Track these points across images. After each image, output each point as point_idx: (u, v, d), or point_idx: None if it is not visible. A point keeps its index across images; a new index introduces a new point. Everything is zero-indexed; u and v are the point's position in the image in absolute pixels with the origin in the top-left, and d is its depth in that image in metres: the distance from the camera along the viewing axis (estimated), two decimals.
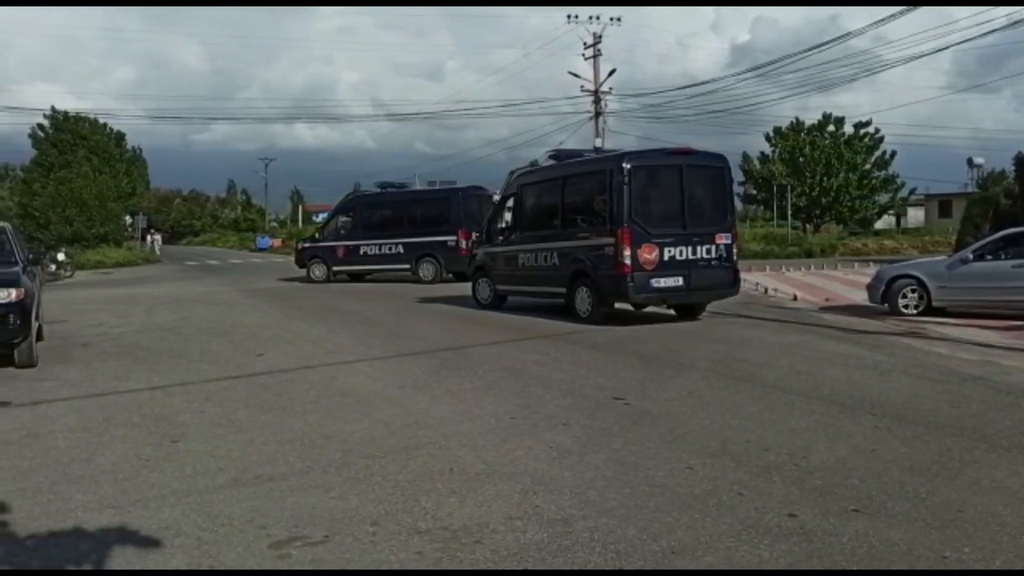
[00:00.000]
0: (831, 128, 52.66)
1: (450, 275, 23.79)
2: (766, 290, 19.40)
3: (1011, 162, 30.16)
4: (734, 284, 13.64)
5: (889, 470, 5.14)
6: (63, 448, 6.13)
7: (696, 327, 12.87)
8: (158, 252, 54.93)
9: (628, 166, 12.90)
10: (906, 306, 13.69)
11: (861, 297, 15.37)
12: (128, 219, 53.19)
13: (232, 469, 5.47)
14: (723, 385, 8.04)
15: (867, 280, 15.45)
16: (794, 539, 4.04)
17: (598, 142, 38.26)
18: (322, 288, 23.54)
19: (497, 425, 6.57)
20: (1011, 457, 5.44)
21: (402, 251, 24.68)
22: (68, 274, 31.16)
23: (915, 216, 62.47)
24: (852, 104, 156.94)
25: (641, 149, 16.23)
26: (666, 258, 12.78)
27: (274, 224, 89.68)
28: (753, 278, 22.47)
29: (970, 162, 60.40)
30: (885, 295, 13.99)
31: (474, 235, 18.05)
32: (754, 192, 54.65)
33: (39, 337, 10.76)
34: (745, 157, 54.85)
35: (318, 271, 25.94)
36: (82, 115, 55.68)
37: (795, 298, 17.42)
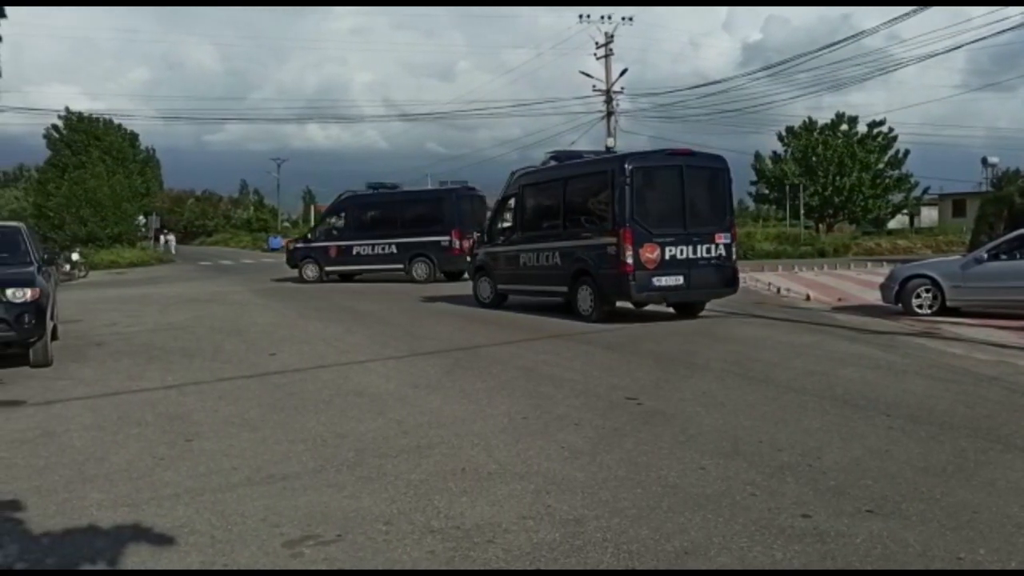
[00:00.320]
0: (844, 127, 52.46)
1: (441, 275, 24.11)
2: (779, 290, 19.34)
3: None
4: (733, 283, 13.86)
5: (903, 471, 5.11)
6: (78, 447, 6.17)
7: (709, 327, 12.84)
8: (173, 252, 55.15)
9: (630, 167, 13.11)
10: (920, 306, 13.62)
11: (874, 297, 15.31)
12: (142, 219, 53.44)
13: (245, 468, 5.49)
14: (736, 385, 8.02)
15: (880, 280, 15.38)
16: (808, 540, 4.02)
17: (610, 142, 38.24)
18: (330, 288, 23.59)
19: (510, 425, 6.57)
20: None
21: (395, 251, 24.82)
22: (82, 274, 31.35)
23: (929, 215, 62.17)
24: (865, 103, 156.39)
25: (642, 150, 16.43)
26: (667, 257, 13.00)
27: (286, 224, 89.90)
28: (766, 278, 22.43)
29: (984, 161, 59.99)
30: (899, 295, 13.93)
31: (475, 235, 18.13)
32: (766, 192, 54.52)
33: (54, 336, 10.83)
34: (757, 156, 54.77)
35: (310, 271, 26.02)
36: (96, 116, 56.05)
37: (808, 298, 17.36)
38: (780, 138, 54.12)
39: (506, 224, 16.77)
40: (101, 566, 3.94)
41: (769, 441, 5.88)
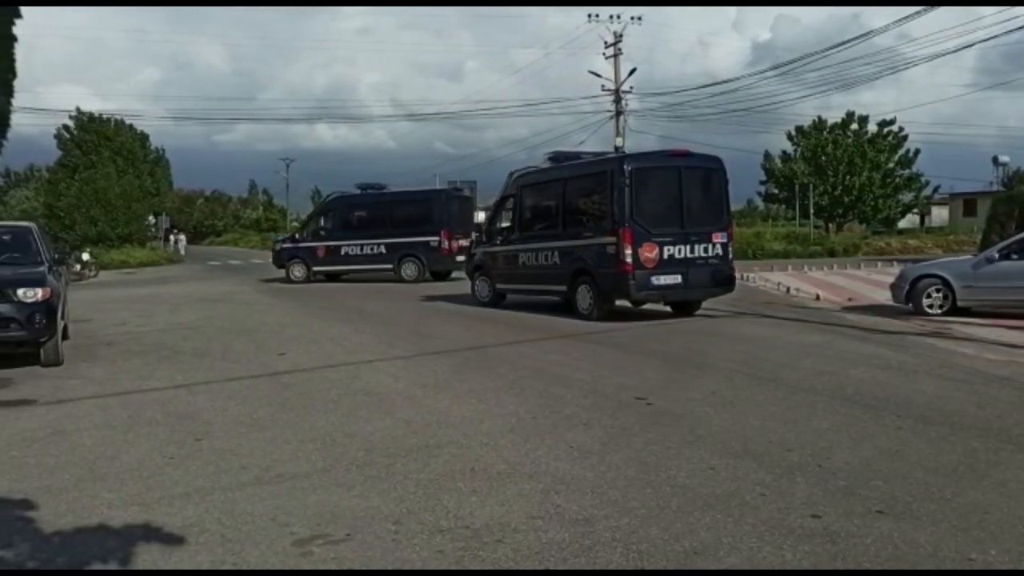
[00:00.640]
0: (854, 127, 52.25)
1: (429, 275, 24.34)
2: (788, 290, 19.29)
3: None
4: (730, 282, 14.02)
5: (914, 471, 5.09)
6: (88, 446, 6.20)
7: (718, 327, 12.83)
8: (182, 252, 55.34)
9: (629, 168, 13.31)
10: (930, 306, 13.57)
11: (884, 297, 15.25)
12: (152, 219, 53.66)
13: (255, 467, 5.51)
14: (745, 385, 8.00)
15: (891, 280, 15.32)
16: (817, 540, 4.01)
17: (618, 141, 38.20)
18: (336, 288, 23.63)
19: (518, 425, 6.57)
20: None
21: (384, 251, 24.93)
22: (92, 274, 31.49)
23: (939, 215, 61.88)
24: (875, 102, 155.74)
25: (639, 151, 16.68)
26: (665, 257, 13.18)
27: (295, 224, 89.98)
28: (775, 277, 22.37)
29: (995, 160, 59.67)
30: (909, 295, 13.88)
31: (473, 235, 18.29)
32: (776, 191, 54.36)
33: (65, 336, 10.88)
34: (767, 156, 54.59)
35: (298, 271, 26.08)
36: (107, 116, 56.29)
37: (818, 298, 17.31)
38: (790, 137, 53.95)
39: (505, 224, 16.91)
40: (112, 565, 3.95)
41: (779, 441, 5.86)
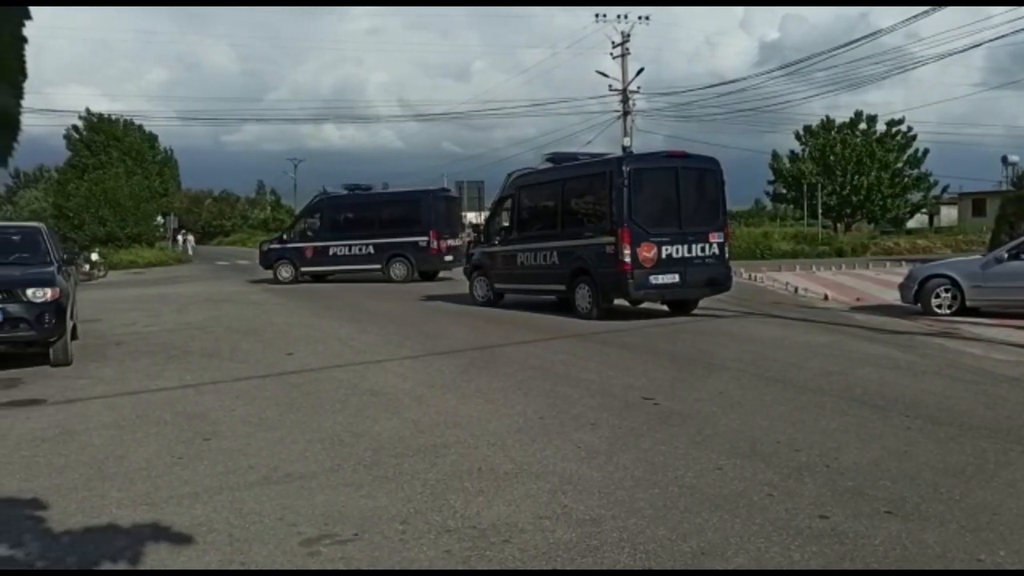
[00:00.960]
0: (863, 126, 52.09)
1: (417, 275, 24.46)
2: (796, 290, 19.24)
3: None
4: (727, 281, 14.17)
5: (922, 472, 5.08)
6: (97, 445, 6.22)
7: (725, 327, 12.81)
8: (191, 252, 55.46)
9: (627, 168, 13.47)
10: (939, 306, 13.52)
11: (893, 297, 15.20)
12: (160, 219, 53.80)
13: (263, 467, 5.52)
14: (753, 385, 7.99)
15: (899, 280, 15.27)
16: (825, 541, 4.00)
17: (626, 141, 38.13)
18: (342, 288, 23.61)
19: (526, 425, 6.57)
20: None
21: (373, 251, 24.98)
22: (101, 274, 31.59)
23: (948, 215, 61.63)
24: (883, 102, 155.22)
25: (637, 152, 16.81)
26: (663, 256, 13.32)
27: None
28: (783, 277, 22.33)
29: (1005, 160, 59.25)
30: (918, 295, 13.83)
31: (471, 235, 18.48)
32: (784, 191, 54.21)
33: (74, 336, 10.91)
34: (775, 156, 54.41)
35: (285, 272, 26.04)
36: (116, 117, 56.46)
37: (826, 298, 17.27)
38: (798, 137, 53.78)
39: (503, 225, 17.03)
40: (121, 565, 3.97)
41: (787, 441, 5.85)
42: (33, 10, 0.81)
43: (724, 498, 4.65)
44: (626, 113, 40.31)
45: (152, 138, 59.97)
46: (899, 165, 51.89)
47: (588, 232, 14.14)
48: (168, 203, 59.98)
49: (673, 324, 13.07)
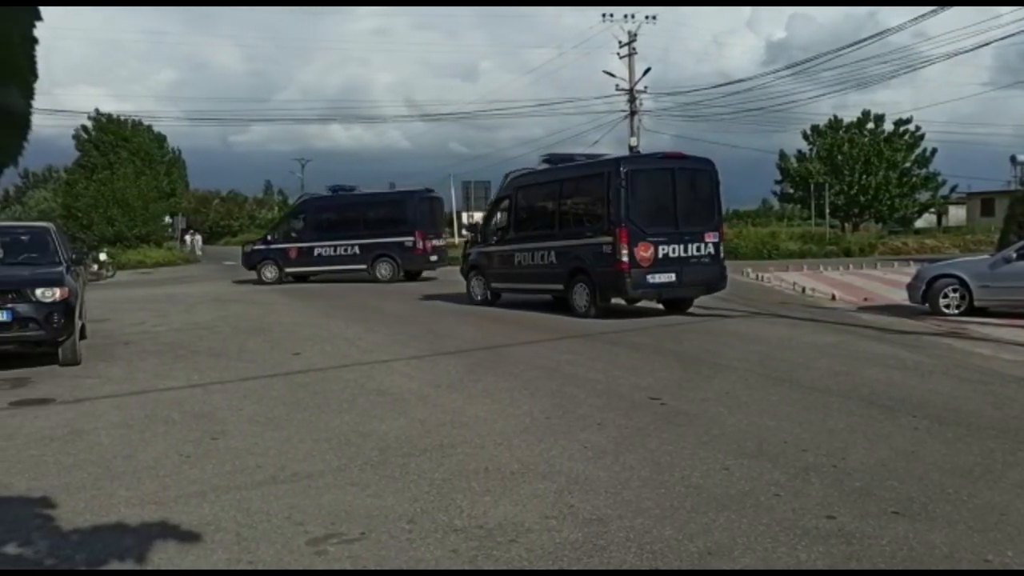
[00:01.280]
0: (870, 125, 51.93)
1: (402, 275, 24.67)
2: (803, 289, 19.19)
3: None
4: (722, 280, 14.34)
5: (930, 472, 5.07)
6: (106, 444, 6.25)
7: (732, 327, 12.80)
8: (199, 252, 55.59)
9: (625, 169, 13.71)
10: (947, 306, 13.48)
11: (901, 297, 15.16)
12: (168, 219, 53.94)
13: (270, 466, 5.54)
14: (760, 386, 7.98)
15: (907, 279, 15.22)
16: (832, 541, 3.99)
17: (633, 141, 38.12)
18: (349, 288, 23.65)
19: (532, 424, 6.58)
20: None
21: (358, 252, 25.10)
22: (110, 274, 31.69)
23: (956, 214, 61.43)
24: (892, 101, 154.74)
25: (634, 154, 16.96)
26: (660, 256, 13.56)
27: None
28: (790, 277, 22.27)
29: (1013, 160, 58.95)
30: (926, 295, 13.79)
31: (469, 235, 18.70)
32: (791, 191, 54.09)
33: (82, 335, 10.96)
34: (782, 155, 54.30)
35: (269, 273, 26.09)
36: (124, 117, 56.61)
37: (833, 298, 17.22)
38: (805, 136, 53.62)
39: (500, 225, 17.14)
40: (129, 563, 3.99)
41: (793, 442, 5.85)
42: (42, 11, 0.82)
43: (731, 498, 4.65)
44: (633, 113, 40.27)
45: (160, 138, 60.13)
46: (907, 165, 51.71)
47: (586, 232, 14.35)
48: (176, 203, 60.14)
49: (679, 324, 13.07)
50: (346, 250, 25.28)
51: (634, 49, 40.44)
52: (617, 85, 40.65)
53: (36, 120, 0.82)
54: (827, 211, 48.91)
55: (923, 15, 25.05)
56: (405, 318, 15.03)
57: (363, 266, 25.00)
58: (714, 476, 5.07)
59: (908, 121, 51.72)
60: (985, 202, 55.71)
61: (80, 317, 10.66)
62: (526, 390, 7.94)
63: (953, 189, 55.93)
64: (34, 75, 0.80)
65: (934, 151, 52.02)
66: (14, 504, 4.88)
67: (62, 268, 10.44)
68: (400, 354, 10.60)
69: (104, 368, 9.84)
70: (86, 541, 4.25)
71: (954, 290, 13.51)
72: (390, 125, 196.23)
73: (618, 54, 40.98)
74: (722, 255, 14.30)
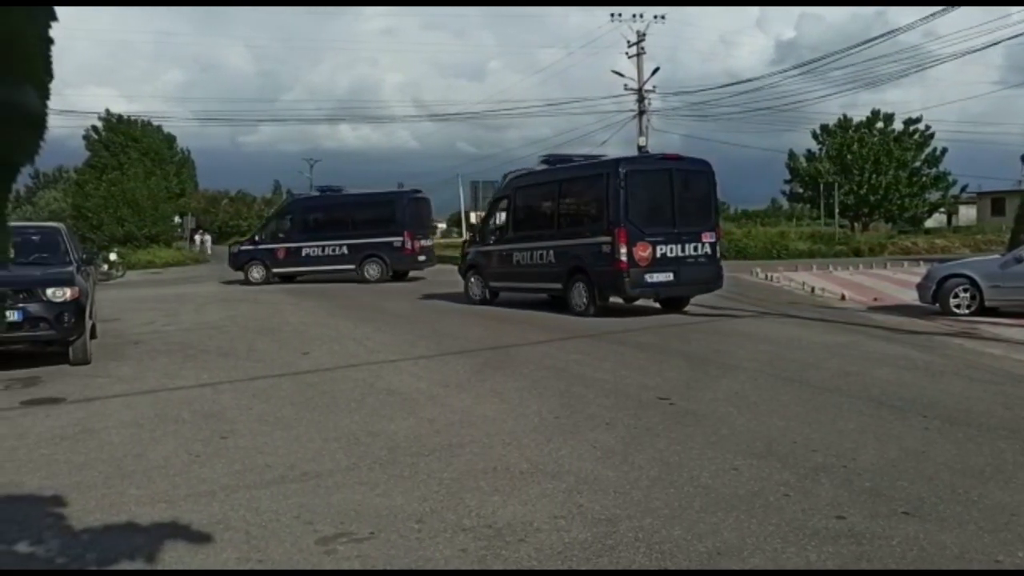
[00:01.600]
0: (880, 125, 51.74)
1: (390, 275, 24.82)
2: (813, 289, 19.13)
3: None
4: (718, 279, 14.60)
5: (940, 472, 5.05)
6: (116, 443, 6.27)
7: (741, 327, 12.77)
8: (208, 252, 55.77)
9: (624, 170, 13.93)
10: (958, 306, 13.42)
11: (911, 297, 15.09)
12: (177, 220, 54.12)
13: (279, 466, 5.55)
14: (770, 385, 7.96)
15: (917, 279, 15.16)
16: (842, 541, 3.98)
17: (641, 140, 38.03)
18: (358, 288, 23.73)
19: (541, 424, 6.58)
20: None
21: (346, 252, 25.19)
22: (120, 274, 31.80)
23: (967, 214, 61.17)
24: (901, 100, 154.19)
25: (632, 155, 17.27)
26: (658, 255, 13.80)
27: None
28: (800, 277, 22.21)
29: None
30: (936, 295, 13.73)
31: (467, 235, 18.92)
32: (800, 190, 53.93)
33: (93, 335, 11.01)
34: (791, 155, 54.14)
35: (256, 273, 26.09)
36: (134, 118, 56.84)
37: (843, 298, 17.16)
38: (815, 136, 53.47)
39: (499, 224, 17.29)
40: (139, 562, 4.00)
41: (803, 442, 5.83)
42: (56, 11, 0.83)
43: (740, 498, 4.64)
44: (641, 112, 40.19)
45: (170, 139, 60.37)
46: (917, 164, 51.51)
47: (585, 232, 14.57)
48: (185, 203, 60.36)
49: (687, 324, 13.05)
50: (334, 250, 25.39)
51: (643, 49, 40.36)
52: (626, 85, 40.57)
53: (48, 120, 0.83)
54: (836, 211, 48.78)
55: (932, 14, 24.95)
56: (412, 318, 15.04)
57: (351, 266, 25.11)
58: (723, 476, 5.06)
59: (918, 120, 51.53)
60: (995, 202, 55.47)
61: (90, 317, 10.71)
62: (535, 390, 7.94)
63: (963, 189, 55.74)
64: (50, 75, 0.80)
65: (944, 150, 51.81)
66: (26, 503, 4.91)
67: (73, 268, 10.49)
68: (408, 354, 10.61)
69: (114, 367, 9.88)
70: (97, 540, 4.26)
71: (964, 290, 13.45)
72: (399, 125, 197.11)
73: (626, 54, 40.90)
74: (718, 255, 14.53)
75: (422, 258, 25.20)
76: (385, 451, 5.86)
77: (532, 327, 13.10)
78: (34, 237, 11.68)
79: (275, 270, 25.99)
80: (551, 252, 15.12)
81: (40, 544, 4.20)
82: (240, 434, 6.47)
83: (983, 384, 7.88)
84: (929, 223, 56.37)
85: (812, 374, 8.49)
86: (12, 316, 9.38)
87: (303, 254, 25.73)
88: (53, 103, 0.83)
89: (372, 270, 24.94)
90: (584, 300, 14.24)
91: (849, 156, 50.74)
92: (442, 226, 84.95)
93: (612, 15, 40.89)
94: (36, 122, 0.79)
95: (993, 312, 13.17)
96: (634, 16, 40.59)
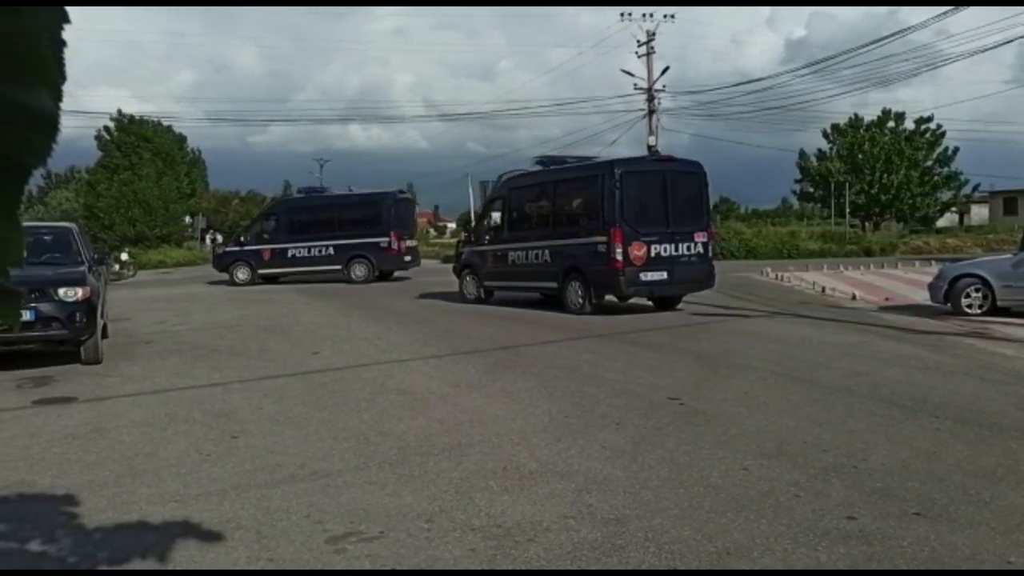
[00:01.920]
0: (891, 124, 51.51)
1: (376, 275, 25.00)
2: (823, 289, 19.07)
3: None
4: (711, 278, 14.99)
5: (951, 473, 5.03)
6: (128, 443, 6.30)
7: (751, 327, 12.73)
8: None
9: (619, 171, 14.23)
10: (970, 306, 13.36)
11: (922, 296, 15.02)
12: (188, 220, 54.28)
13: (290, 465, 5.57)
14: (780, 385, 7.94)
15: (929, 279, 15.09)
16: (853, 542, 3.97)
17: (651, 140, 37.96)
18: (365, 288, 23.75)
19: (551, 424, 6.58)
20: None
21: (332, 253, 25.26)
22: (131, 274, 31.95)
23: (979, 213, 60.82)
24: (913, 99, 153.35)
25: (626, 157, 17.75)
26: (653, 255, 14.11)
27: None
28: (810, 277, 22.14)
29: None
30: (948, 294, 13.67)
31: (462, 235, 19.15)
32: (811, 190, 53.76)
33: (104, 335, 11.06)
34: (802, 154, 53.96)
35: (241, 274, 26.11)
36: (146, 118, 56.99)
37: (854, 297, 17.09)
38: (825, 135, 53.27)
39: (494, 224, 17.37)
40: (151, 560, 4.02)
41: (813, 442, 5.81)
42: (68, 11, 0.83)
43: (750, 498, 4.63)
44: (651, 112, 40.11)
45: (181, 139, 60.50)
46: (928, 163, 51.26)
47: (580, 232, 14.83)
48: (196, 203, 60.49)
49: (697, 324, 13.02)
50: (320, 251, 25.48)
51: (652, 48, 40.28)
52: (635, 84, 40.49)
53: (60, 121, 0.83)
54: (847, 210, 48.59)
55: (943, 13, 24.81)
56: (421, 318, 15.05)
57: (338, 267, 25.22)
58: (733, 476, 5.05)
59: (929, 119, 51.27)
60: (1008, 201, 55.16)
61: (102, 316, 10.76)
62: (545, 390, 7.94)
63: (975, 188, 55.39)
64: (62, 77, 0.81)
65: (956, 150, 51.52)
66: (38, 501, 4.94)
67: (84, 268, 10.54)
68: (419, 353, 10.63)
69: (126, 367, 9.93)
70: (108, 539, 4.29)
71: (976, 290, 13.38)
72: (409, 125, 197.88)
73: (636, 53, 40.83)
74: (710, 254, 14.93)
75: (408, 258, 25.47)
76: (395, 450, 5.87)
77: (542, 327, 13.09)
78: (46, 237, 11.74)
79: (260, 271, 26.04)
80: (547, 251, 15.38)
81: (52, 542, 4.23)
82: (251, 433, 6.49)
83: (995, 384, 7.84)
84: (941, 223, 56.09)
85: (823, 374, 8.46)
86: (24, 316, 9.42)
87: (289, 255, 25.82)
88: (65, 104, 0.83)
89: (359, 270, 25.09)
90: (580, 299, 14.51)
91: (860, 155, 50.53)
92: (452, 225, 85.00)
93: (622, 15, 40.88)
94: (48, 124, 0.80)
95: (1005, 312, 13.09)
96: (644, 15, 40.54)
